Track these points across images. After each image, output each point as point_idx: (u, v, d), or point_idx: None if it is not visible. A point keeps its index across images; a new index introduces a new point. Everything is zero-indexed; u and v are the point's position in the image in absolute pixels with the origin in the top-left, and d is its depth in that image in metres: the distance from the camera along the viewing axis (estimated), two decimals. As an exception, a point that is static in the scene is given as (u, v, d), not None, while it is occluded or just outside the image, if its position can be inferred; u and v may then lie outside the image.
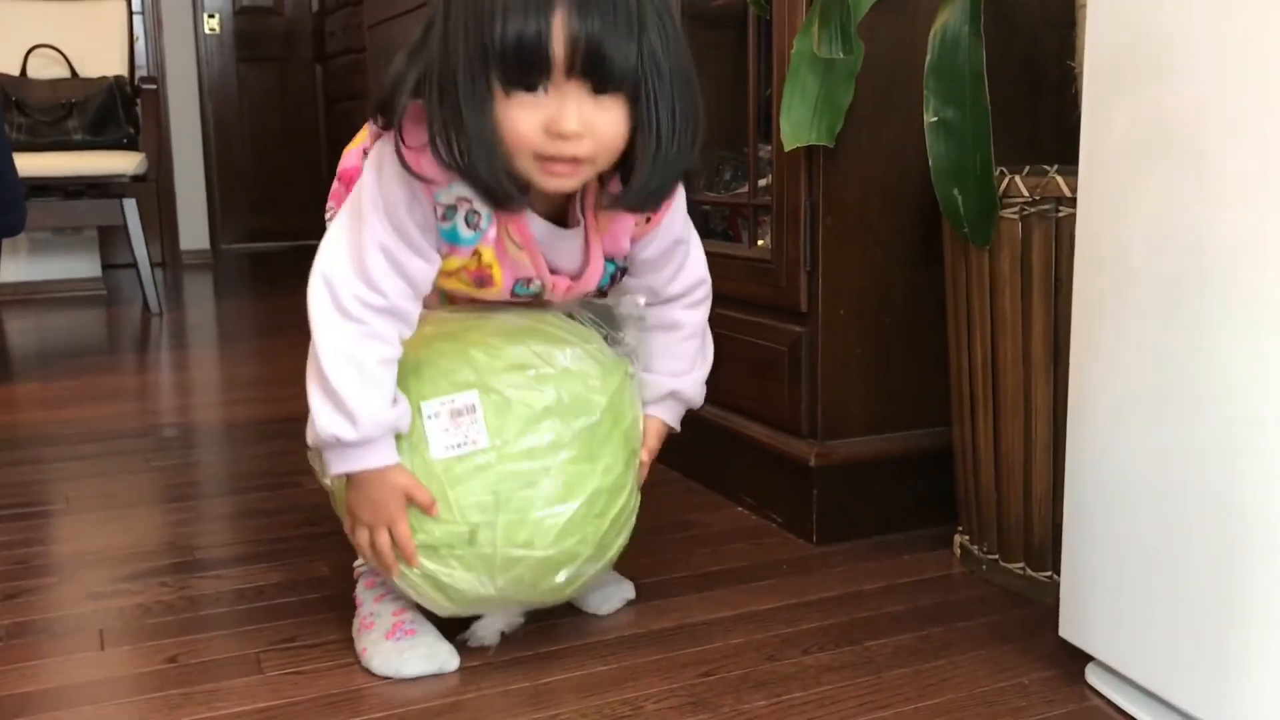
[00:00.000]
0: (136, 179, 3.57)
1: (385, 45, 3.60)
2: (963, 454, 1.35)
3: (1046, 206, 1.17)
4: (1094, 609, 1.04)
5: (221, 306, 4.07)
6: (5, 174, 2.57)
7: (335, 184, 1.24)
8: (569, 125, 0.92)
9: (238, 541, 1.49)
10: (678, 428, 1.21)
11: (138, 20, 4.73)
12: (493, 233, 1.03)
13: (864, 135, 1.37)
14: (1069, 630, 1.07)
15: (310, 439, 1.05)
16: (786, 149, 1.31)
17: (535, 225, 1.04)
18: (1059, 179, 1.15)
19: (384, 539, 1.04)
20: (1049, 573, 1.24)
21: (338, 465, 1.04)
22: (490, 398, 1.04)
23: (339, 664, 1.12)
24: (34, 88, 3.59)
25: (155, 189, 4.64)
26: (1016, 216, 1.19)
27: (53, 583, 1.36)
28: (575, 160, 0.95)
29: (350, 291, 1.01)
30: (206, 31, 5.35)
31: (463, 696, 1.06)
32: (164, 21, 5.18)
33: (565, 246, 1.07)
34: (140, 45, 4.90)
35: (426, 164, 0.96)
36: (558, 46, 0.89)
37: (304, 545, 1.46)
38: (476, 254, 1.04)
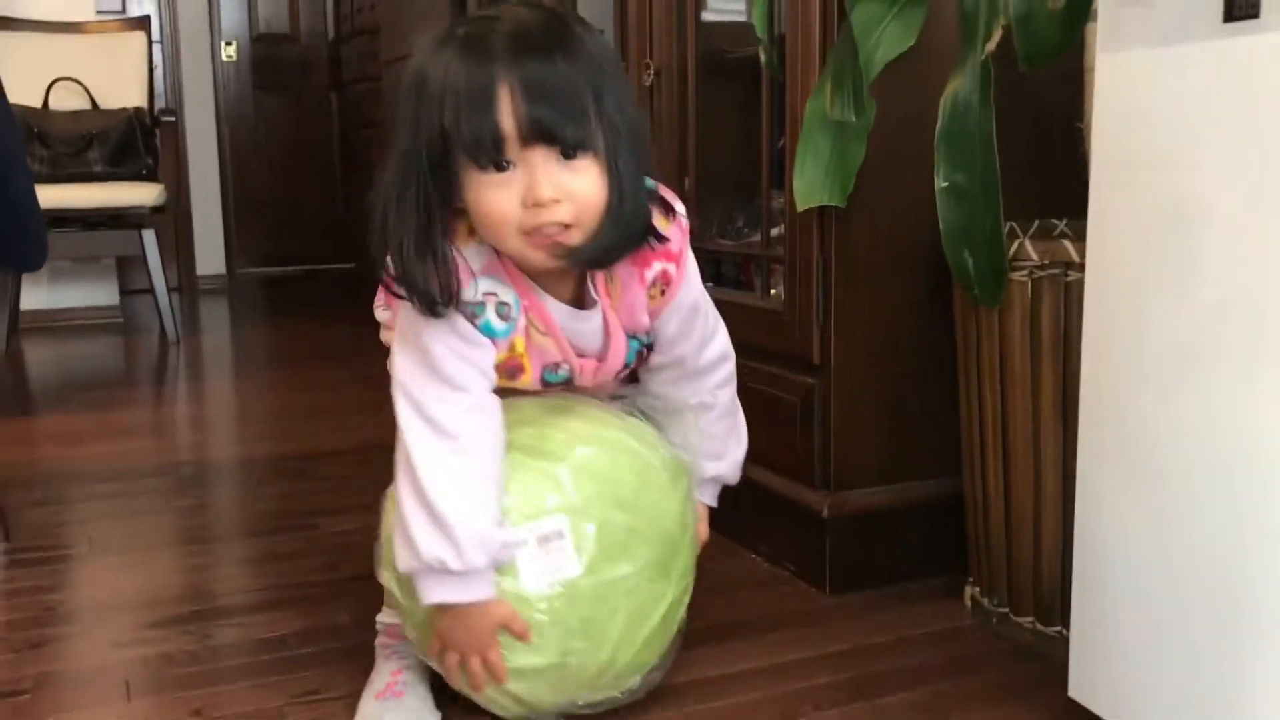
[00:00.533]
0: (155, 210, 3.61)
1: (400, 78, 3.64)
2: (973, 505, 1.37)
3: (1056, 270, 1.19)
4: (1103, 670, 1.05)
5: (237, 333, 4.11)
6: (27, 207, 2.61)
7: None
8: (543, 191, 0.94)
9: (258, 588, 1.51)
10: (715, 504, 1.24)
11: (156, 49, 4.78)
12: (522, 321, 1.05)
13: (876, 193, 1.39)
14: (1078, 691, 1.09)
15: (402, 564, 1.01)
16: (799, 209, 1.34)
17: (554, 309, 1.06)
18: (1068, 245, 1.17)
19: (476, 664, 1.02)
20: (1059, 628, 1.26)
21: (435, 594, 1.00)
22: (576, 521, 1.04)
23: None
24: (56, 120, 3.64)
25: (173, 217, 4.68)
26: (1026, 279, 1.21)
27: (78, 630, 1.38)
28: (559, 226, 0.96)
29: (433, 395, 1.01)
30: (224, 59, 5.41)
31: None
32: (182, 49, 5.24)
33: (586, 329, 1.08)
34: (159, 73, 4.96)
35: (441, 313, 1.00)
36: (506, 124, 0.92)
37: (325, 593, 1.48)
38: (510, 345, 1.05)
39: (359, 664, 1.24)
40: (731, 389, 1.20)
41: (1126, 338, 0.99)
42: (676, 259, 1.08)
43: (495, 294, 1.03)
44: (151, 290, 3.67)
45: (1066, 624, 1.17)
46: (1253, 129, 0.85)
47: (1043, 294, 1.21)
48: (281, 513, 1.86)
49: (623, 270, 1.07)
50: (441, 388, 1.01)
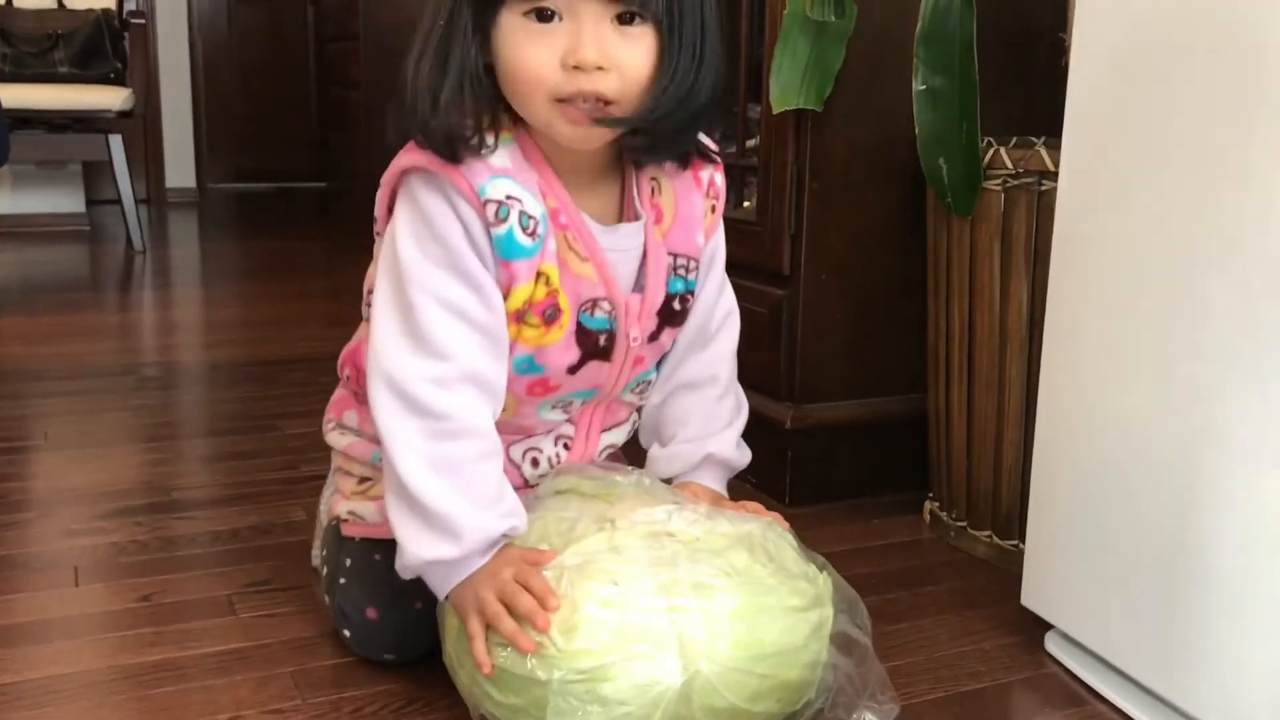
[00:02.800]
0: (123, 115, 3.54)
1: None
2: (936, 422, 1.36)
3: (1030, 180, 1.17)
4: (1055, 579, 1.05)
5: (206, 246, 4.05)
6: (-11, 105, 2.55)
7: (337, 392, 1.11)
8: (587, 54, 0.81)
9: (214, 484, 1.50)
10: (724, 491, 1.07)
11: (127, -49, 4.65)
12: (552, 244, 0.89)
13: (853, 100, 1.37)
14: (1030, 599, 1.09)
15: (399, 568, 0.89)
16: (775, 111, 1.31)
17: (592, 226, 0.92)
18: (1043, 153, 1.15)
19: (525, 602, 0.81)
20: (1015, 541, 1.26)
21: (445, 583, 0.87)
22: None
23: (311, 608, 1.13)
24: (20, 17, 3.54)
25: (142, 125, 4.59)
26: (1000, 188, 1.19)
27: (30, 518, 1.36)
28: (599, 100, 0.83)
29: (417, 375, 0.86)
30: (198, -35, 5.27)
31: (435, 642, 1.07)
32: (154, -46, 5.10)
33: (625, 251, 0.94)
34: (129, -23, 4.82)
35: (463, 154, 0.86)
36: None
37: (280, 489, 1.47)
38: (542, 276, 0.89)
39: (310, 558, 1.23)
40: (733, 363, 1.08)
41: (1095, 249, 0.98)
42: (722, 172, 1.00)
43: (520, 201, 0.87)
44: (119, 199, 3.61)
45: (1023, 538, 1.17)
46: (1233, 34, 0.83)
47: (1016, 204, 1.19)
48: (242, 414, 1.83)
49: (676, 177, 0.96)
50: (422, 358, 0.86)
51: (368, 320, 1.00)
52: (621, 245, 0.93)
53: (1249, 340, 0.83)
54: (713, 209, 1.00)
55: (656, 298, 0.96)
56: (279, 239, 4.16)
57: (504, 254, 0.87)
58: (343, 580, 1.03)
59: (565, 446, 1.03)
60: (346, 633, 1.03)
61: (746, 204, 1.58)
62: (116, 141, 3.53)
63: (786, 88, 1.29)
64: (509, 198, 0.87)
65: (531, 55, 0.82)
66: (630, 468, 0.98)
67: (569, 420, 1.02)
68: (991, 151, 1.20)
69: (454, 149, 0.86)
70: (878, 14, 1.34)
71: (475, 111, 0.86)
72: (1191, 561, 0.89)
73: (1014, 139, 1.28)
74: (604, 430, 1.05)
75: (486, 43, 0.85)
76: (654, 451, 1.07)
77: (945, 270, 1.29)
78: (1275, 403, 0.81)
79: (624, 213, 0.95)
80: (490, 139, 0.88)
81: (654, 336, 0.98)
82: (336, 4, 4.91)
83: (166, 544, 1.29)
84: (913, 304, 1.43)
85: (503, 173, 0.87)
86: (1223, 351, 0.85)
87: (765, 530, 0.90)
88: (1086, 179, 0.99)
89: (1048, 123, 1.32)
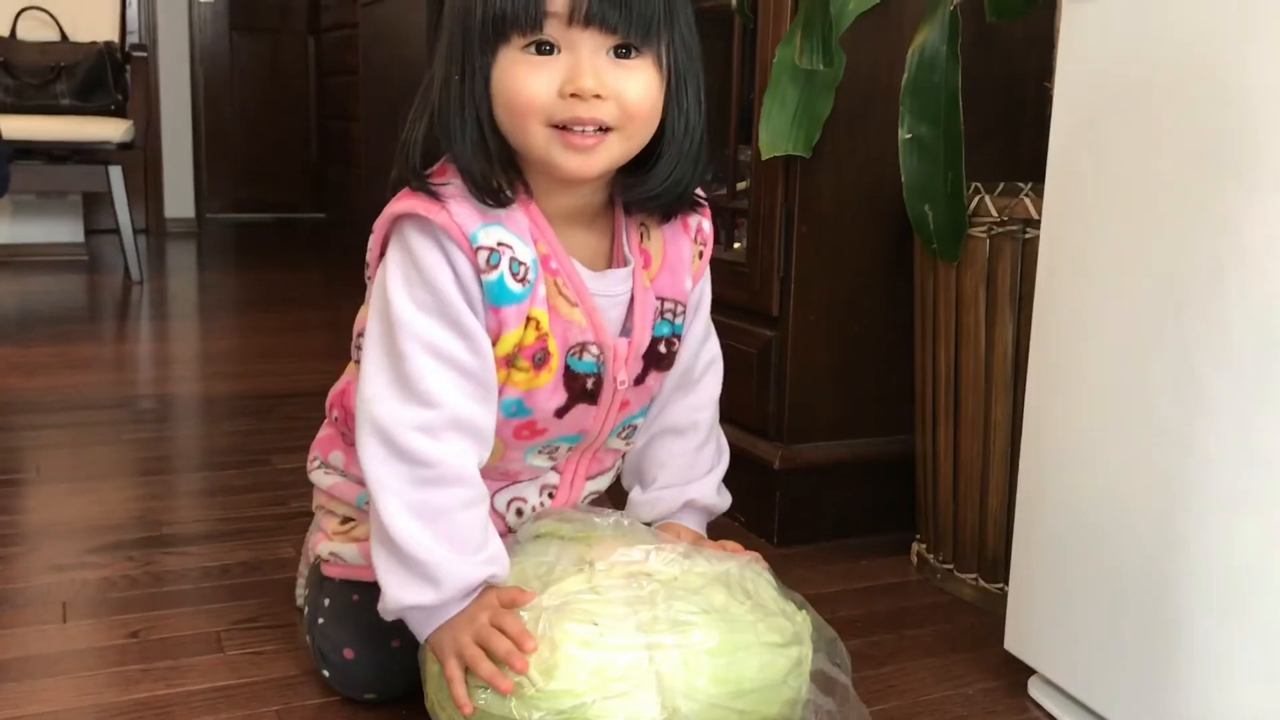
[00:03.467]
0: (123, 146, 3.56)
1: (378, 24, 3.59)
2: (923, 463, 1.37)
3: (1014, 227, 1.19)
4: (1039, 624, 1.06)
5: (204, 276, 4.06)
6: (-10, 137, 2.57)
7: (322, 430, 1.12)
8: (585, 82, 0.82)
9: (206, 519, 1.50)
10: (702, 531, 1.08)
11: (131, -15, 4.69)
12: (542, 289, 0.91)
13: (842, 145, 1.39)
14: (1014, 643, 1.10)
15: (382, 609, 0.90)
16: (764, 158, 1.33)
17: (582, 272, 0.93)
18: (1027, 201, 1.17)
19: (500, 645, 0.83)
20: (1000, 584, 1.27)
21: (424, 628, 0.89)
22: None
23: (297, 646, 1.14)
24: (23, 50, 3.57)
25: (142, 156, 4.62)
26: (985, 235, 1.21)
27: (18, 553, 1.37)
28: (597, 127, 0.84)
29: (404, 422, 0.86)
30: (200, -1, 5.33)
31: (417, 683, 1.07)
32: (157, -14, 5.15)
33: (612, 296, 0.95)
34: (132, 10, 4.87)
35: (455, 205, 0.88)
36: None
37: (271, 525, 1.47)
38: (531, 321, 0.90)
39: (295, 597, 1.23)
40: (715, 409, 1.09)
41: (1078, 295, 0.99)
42: (710, 219, 1.02)
43: (511, 247, 0.88)
44: (117, 229, 3.62)
45: (1009, 581, 1.17)
46: (1206, 81, 0.85)
47: (1001, 251, 1.20)
48: (235, 449, 1.84)
49: (664, 223, 0.98)
50: (410, 405, 0.87)
51: (356, 362, 1.01)
52: (610, 290, 0.95)
53: (1229, 384, 0.84)
54: (700, 254, 1.01)
55: (643, 341, 0.97)
56: (277, 270, 4.18)
57: (494, 300, 0.88)
58: (321, 620, 1.04)
59: (550, 495, 1.04)
60: (326, 673, 1.04)
61: (737, 245, 1.59)
62: (116, 172, 3.55)
63: (775, 134, 1.30)
64: (500, 244, 0.88)
65: (529, 83, 0.84)
66: (609, 510, 0.99)
67: (554, 468, 1.03)
68: (977, 199, 1.21)
69: (496, 198, 0.88)
70: (866, 64, 1.36)
71: (500, 158, 0.88)
72: (1171, 607, 0.90)
73: (1001, 185, 1.30)
74: (589, 478, 1.06)
75: (488, 87, 0.87)
76: (635, 496, 1.08)
77: (932, 314, 1.31)
78: (1255, 448, 0.82)
79: (613, 258, 0.97)
80: (510, 191, 0.89)
81: (640, 379, 0.99)
82: (336, 38, 4.96)
83: (156, 579, 1.30)
84: (900, 346, 1.44)
85: (494, 220, 0.89)
86: (1202, 396, 0.86)
87: (743, 569, 0.91)
88: (1068, 226, 1.00)
89: (1036, 168, 1.35)
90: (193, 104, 5.33)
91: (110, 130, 3.52)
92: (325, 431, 1.11)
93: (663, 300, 0.98)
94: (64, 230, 4.24)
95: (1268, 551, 0.82)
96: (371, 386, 0.89)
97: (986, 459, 1.26)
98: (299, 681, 1.07)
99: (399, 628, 0.92)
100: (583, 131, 0.85)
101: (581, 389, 0.95)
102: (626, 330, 0.96)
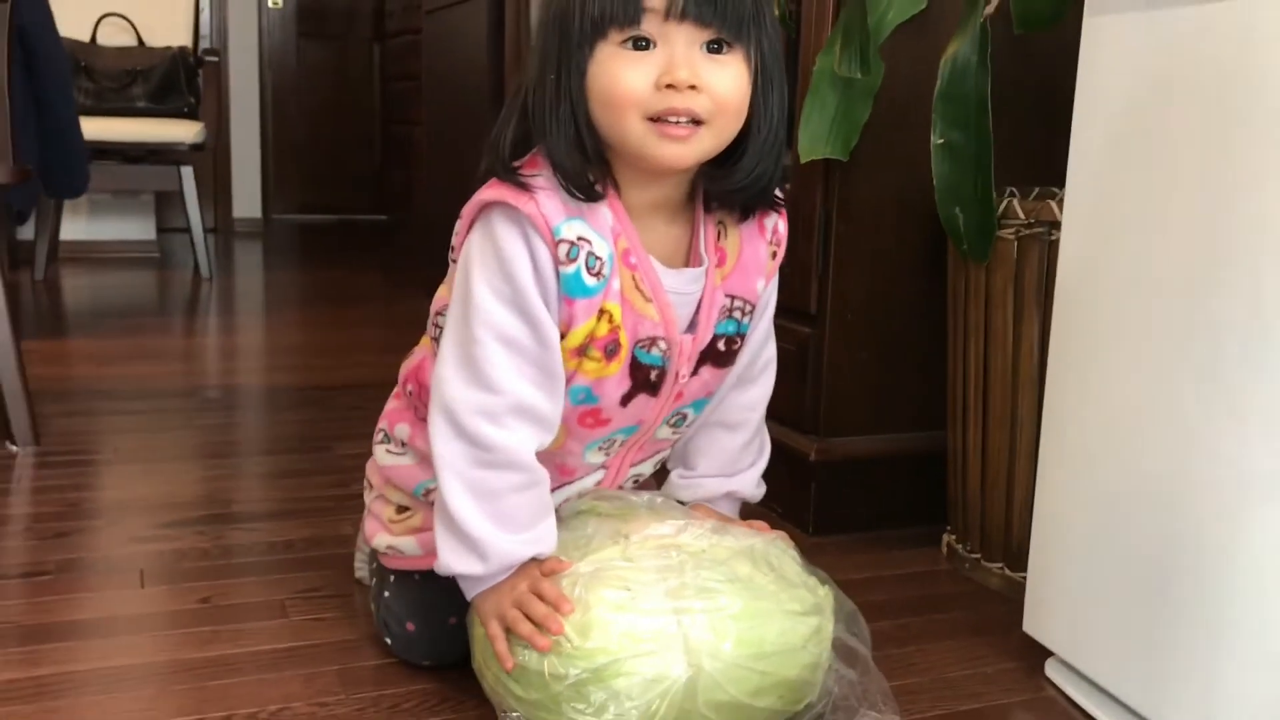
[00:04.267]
0: (195, 147, 3.70)
1: (441, 30, 3.69)
2: (954, 458, 1.42)
3: (1041, 229, 1.24)
4: (1055, 607, 1.11)
5: (270, 275, 4.19)
6: (71, 138, 2.70)
7: (390, 403, 1.16)
8: (680, 73, 0.86)
9: (271, 498, 1.59)
10: (735, 515, 1.15)
11: (204, -8, 4.85)
12: (617, 283, 0.94)
13: (880, 150, 1.44)
14: (1032, 626, 1.15)
15: (436, 565, 0.97)
16: (803, 160, 1.39)
17: (657, 268, 0.97)
18: (1053, 205, 1.22)
19: (539, 608, 0.90)
20: (1025, 573, 1.31)
21: (470, 591, 0.97)
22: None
23: (356, 614, 1.22)
24: (102, 55, 3.72)
25: (212, 158, 4.78)
26: (1013, 237, 1.26)
27: (99, 525, 1.47)
28: (691, 119, 0.88)
29: (469, 406, 0.92)
30: (270, 5, 5.49)
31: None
32: (229, -7, 5.32)
33: (685, 294, 0.99)
34: (205, 16, 5.03)
35: (543, 197, 0.92)
36: None
37: (332, 506, 1.56)
38: (605, 314, 0.94)
39: (354, 570, 1.31)
40: (764, 409, 1.14)
41: (1096, 296, 1.04)
42: (785, 220, 1.06)
43: (589, 242, 0.92)
44: (188, 228, 3.76)
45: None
46: (1222, 92, 0.89)
47: (1028, 252, 1.25)
48: (297, 435, 1.94)
49: (741, 222, 1.02)
50: (477, 390, 0.93)
51: (433, 339, 1.07)
52: (684, 289, 0.99)
53: (1248, 381, 0.88)
54: (774, 255, 1.05)
55: (706, 338, 1.01)
56: (339, 269, 4.30)
57: (568, 291, 0.93)
58: (386, 594, 1.11)
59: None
60: (388, 640, 1.12)
61: (779, 246, 1.65)
62: (188, 173, 3.69)
63: (815, 138, 1.36)
64: (580, 239, 0.92)
65: (628, 76, 0.88)
66: (645, 491, 1.06)
67: (603, 466, 1.08)
68: (1005, 202, 1.26)
69: (588, 192, 0.92)
70: (903, 72, 1.41)
71: (594, 152, 0.92)
72: (1184, 593, 0.94)
73: (1036, 189, 1.35)
74: (633, 465, 1.11)
75: (584, 83, 0.91)
76: (675, 478, 1.14)
77: (963, 313, 1.36)
78: (1269, 440, 0.87)
79: (690, 256, 1.01)
80: (601, 185, 0.93)
81: (694, 372, 1.03)
82: (400, 45, 5.08)
83: (225, 552, 1.39)
84: (934, 344, 1.49)
85: (577, 214, 0.93)
86: (1218, 392, 0.91)
87: (769, 545, 0.97)
88: (1088, 230, 1.05)
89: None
90: (261, 108, 5.49)
91: (183, 132, 3.66)
92: (394, 404, 1.16)
93: (732, 298, 1.02)
94: (137, 228, 4.39)
95: (1266, 543, 0.87)
96: (443, 367, 0.95)
97: (1013, 453, 1.31)
98: (357, 645, 1.15)
99: (456, 605, 1.00)
100: (677, 123, 0.88)
101: (645, 379, 1.00)
102: (693, 326, 1.01)
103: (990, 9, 1.22)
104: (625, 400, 1.00)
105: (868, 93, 1.36)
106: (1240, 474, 0.89)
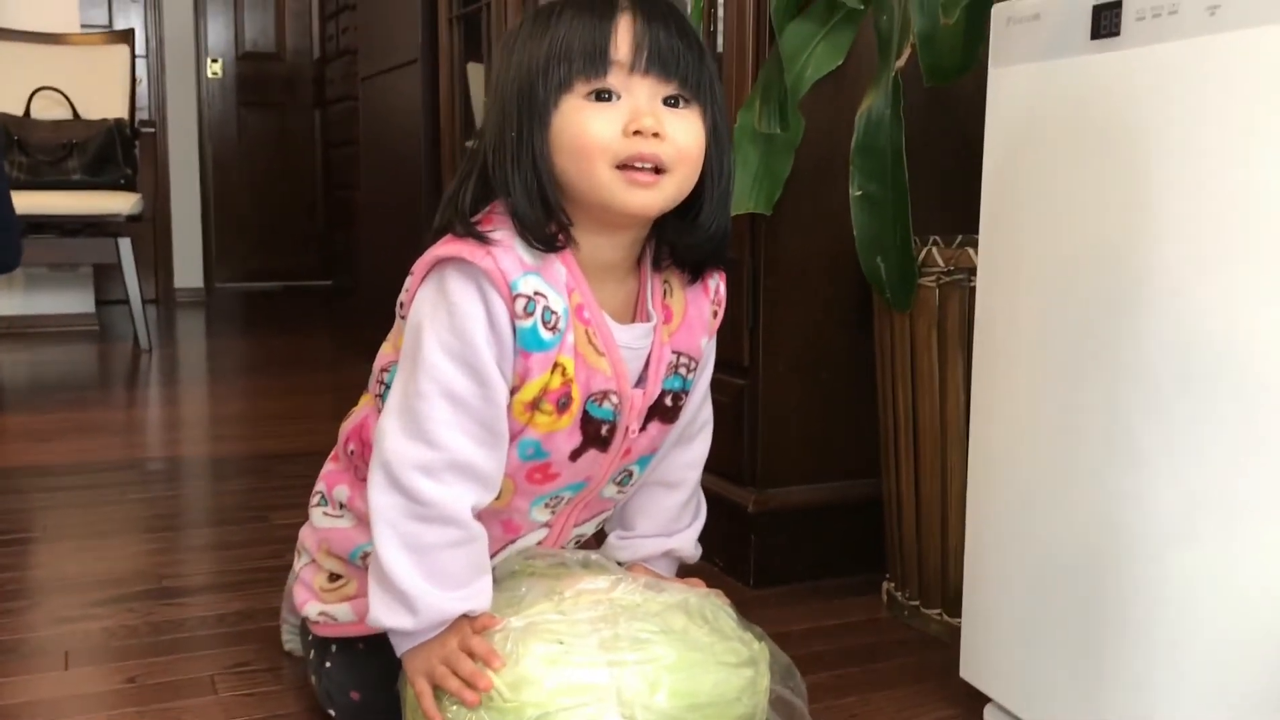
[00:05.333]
0: (132, 218, 3.67)
1: (376, 96, 3.71)
2: (889, 505, 1.43)
3: (960, 276, 1.26)
4: (991, 653, 1.11)
5: (212, 344, 4.16)
6: (2, 212, 2.67)
7: (328, 465, 1.16)
8: (646, 121, 0.90)
9: (204, 572, 1.57)
10: (671, 575, 1.14)
11: (141, 63, 4.86)
12: (571, 337, 0.96)
13: (804, 203, 1.46)
14: (969, 672, 1.15)
15: (368, 620, 0.97)
16: (728, 215, 1.40)
17: (609, 323, 0.99)
18: (970, 252, 1.24)
19: (467, 666, 0.90)
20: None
21: (400, 647, 0.97)
22: None
23: (288, 687, 1.20)
24: (36, 128, 3.70)
25: (152, 227, 4.75)
26: (934, 284, 1.28)
27: (24, 606, 1.43)
28: (655, 168, 0.92)
29: (408, 462, 0.93)
30: (209, 76, 5.49)
31: None
32: (167, 64, 5.32)
33: (635, 349, 1.01)
34: (143, 88, 5.03)
35: (501, 252, 0.93)
36: (623, 43, 0.90)
37: (267, 576, 1.53)
38: (559, 368, 0.96)
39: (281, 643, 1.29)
40: (701, 469, 1.15)
41: (1011, 343, 1.06)
42: (725, 281, 1.09)
43: (545, 297, 0.94)
44: (127, 299, 3.72)
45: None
46: (1118, 135, 0.92)
47: (949, 299, 1.27)
48: (236, 506, 1.91)
49: (686, 285, 1.05)
50: (417, 445, 0.93)
51: (376, 396, 1.07)
52: (634, 344, 1.01)
53: (1158, 425, 0.90)
54: (715, 314, 1.08)
55: (654, 393, 1.03)
56: (283, 336, 4.27)
57: (525, 345, 0.94)
58: (328, 664, 1.09)
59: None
60: (332, 712, 1.10)
61: (711, 300, 1.66)
62: (125, 244, 3.66)
63: (739, 194, 1.38)
64: (536, 293, 0.93)
65: (595, 124, 0.91)
66: (579, 550, 1.05)
67: (548, 524, 1.08)
68: (926, 250, 1.28)
69: (549, 243, 0.94)
70: (822, 126, 1.44)
71: (556, 205, 0.94)
72: (1112, 635, 0.95)
73: (959, 237, 1.37)
74: (576, 525, 1.11)
75: (546, 128, 0.92)
76: (613, 539, 1.14)
77: (890, 361, 1.37)
78: (1184, 482, 0.88)
79: (637, 312, 1.03)
80: (562, 237, 0.95)
81: (643, 428, 1.04)
82: (341, 110, 5.09)
83: (155, 629, 1.36)
84: (866, 393, 1.50)
85: (533, 269, 0.94)
86: (1132, 435, 0.92)
87: (703, 600, 0.97)
88: (999, 277, 1.07)
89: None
90: (201, 177, 5.48)
91: (119, 204, 3.64)
92: (332, 465, 1.14)
93: (678, 355, 1.04)
94: (75, 301, 4.34)
95: (1198, 584, 0.87)
96: (388, 420, 0.95)
97: (946, 499, 1.32)
98: (290, 719, 1.13)
99: (399, 671, 0.99)
100: (643, 169, 0.91)
101: (596, 434, 1.00)
102: (641, 381, 1.02)
103: (901, 63, 1.24)
104: (575, 455, 1.00)
105: (788, 148, 1.38)
106: (1160, 516, 0.90)
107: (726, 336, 1.52)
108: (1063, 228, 0.98)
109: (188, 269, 5.41)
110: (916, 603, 1.39)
